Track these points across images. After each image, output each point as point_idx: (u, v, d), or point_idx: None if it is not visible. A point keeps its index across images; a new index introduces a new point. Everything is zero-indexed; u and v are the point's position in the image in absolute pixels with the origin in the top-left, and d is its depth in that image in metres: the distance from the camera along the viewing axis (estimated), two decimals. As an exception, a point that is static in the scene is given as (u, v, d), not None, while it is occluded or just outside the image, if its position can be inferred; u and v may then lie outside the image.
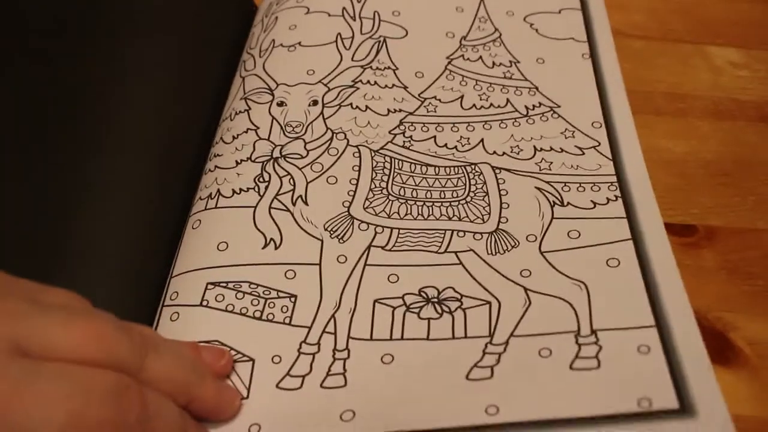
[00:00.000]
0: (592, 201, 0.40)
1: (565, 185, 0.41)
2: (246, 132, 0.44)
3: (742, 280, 0.42)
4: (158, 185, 0.42)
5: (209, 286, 0.37)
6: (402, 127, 0.44)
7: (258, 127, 0.44)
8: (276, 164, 0.42)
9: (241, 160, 0.42)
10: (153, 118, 0.43)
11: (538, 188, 0.41)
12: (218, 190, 0.41)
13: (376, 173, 0.42)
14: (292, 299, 0.37)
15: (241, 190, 0.41)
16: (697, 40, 0.55)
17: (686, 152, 0.48)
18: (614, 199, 0.40)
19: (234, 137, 0.44)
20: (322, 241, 0.39)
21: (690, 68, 0.53)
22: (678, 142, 0.49)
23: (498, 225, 0.40)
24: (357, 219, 0.40)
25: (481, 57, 0.48)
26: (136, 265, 0.38)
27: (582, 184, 0.41)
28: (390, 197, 0.41)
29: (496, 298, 0.37)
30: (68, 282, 0.35)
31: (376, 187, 0.41)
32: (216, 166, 0.43)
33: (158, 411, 0.29)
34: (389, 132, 0.44)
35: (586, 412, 0.31)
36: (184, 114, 0.45)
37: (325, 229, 0.39)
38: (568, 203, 0.40)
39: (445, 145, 0.44)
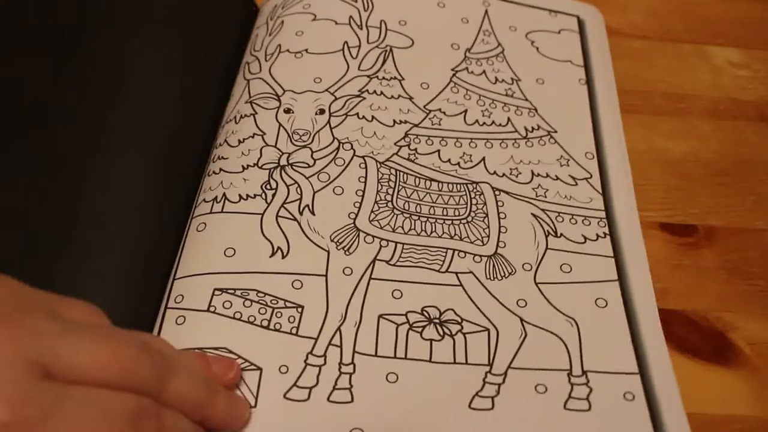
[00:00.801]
0: (583, 235, 0.42)
1: (558, 215, 0.42)
2: (252, 137, 0.44)
3: (742, 280, 0.43)
4: (159, 185, 0.42)
5: (216, 292, 0.38)
6: (407, 139, 0.45)
7: (265, 133, 0.44)
8: (283, 172, 0.42)
9: (248, 166, 0.43)
10: (154, 118, 0.43)
11: (534, 215, 0.42)
12: (224, 194, 0.41)
13: (381, 185, 0.42)
14: (299, 310, 0.37)
15: (248, 196, 0.41)
16: (696, 40, 0.55)
17: (686, 152, 0.48)
18: (603, 236, 0.42)
19: (240, 141, 0.44)
20: (328, 252, 0.39)
21: (690, 68, 0.53)
22: (678, 142, 0.49)
23: (496, 249, 0.41)
24: (363, 231, 0.40)
25: (484, 71, 0.49)
26: (137, 266, 0.38)
27: (574, 216, 0.43)
28: (395, 211, 0.41)
29: (495, 327, 0.38)
30: (68, 282, 0.36)
31: (381, 199, 0.42)
32: (221, 169, 0.43)
33: (174, 430, 0.29)
34: (395, 144, 0.44)
35: None
36: (185, 114, 0.45)
37: (332, 240, 0.40)
38: (561, 234, 0.42)
39: (449, 160, 0.44)
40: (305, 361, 0.36)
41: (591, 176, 0.44)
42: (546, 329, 0.38)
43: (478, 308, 0.39)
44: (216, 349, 0.36)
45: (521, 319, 0.38)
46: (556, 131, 0.46)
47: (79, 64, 0.44)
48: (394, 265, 0.40)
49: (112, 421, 0.26)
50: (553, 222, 0.42)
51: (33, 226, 0.38)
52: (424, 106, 0.47)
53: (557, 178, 0.44)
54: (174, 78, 0.46)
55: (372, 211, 0.41)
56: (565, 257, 0.41)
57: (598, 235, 0.42)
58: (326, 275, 0.39)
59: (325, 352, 0.36)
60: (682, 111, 0.51)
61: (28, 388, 0.25)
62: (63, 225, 0.38)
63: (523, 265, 0.40)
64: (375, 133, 0.45)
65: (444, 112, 0.47)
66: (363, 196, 0.42)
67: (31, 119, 0.42)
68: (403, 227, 0.41)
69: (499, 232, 0.41)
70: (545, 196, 0.43)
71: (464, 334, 0.38)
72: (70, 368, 0.26)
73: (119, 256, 0.38)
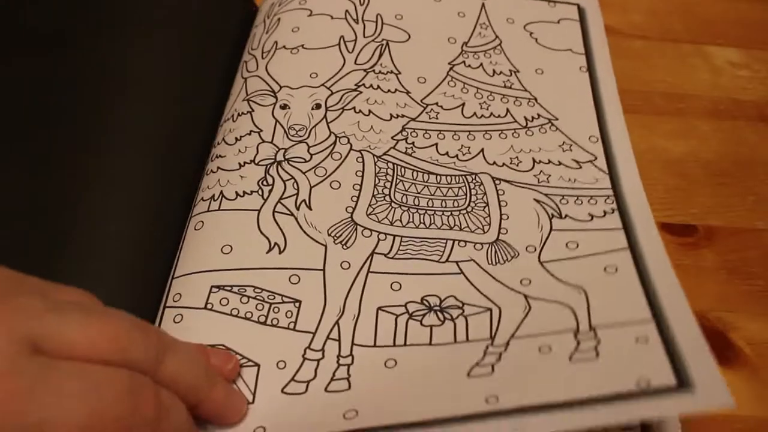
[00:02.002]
0: (589, 214, 0.41)
1: (563, 198, 0.42)
2: (249, 134, 0.44)
3: (742, 280, 0.43)
4: (159, 185, 0.41)
5: (213, 290, 0.37)
6: (404, 133, 0.44)
7: (261, 130, 0.44)
8: (280, 168, 0.42)
9: (245, 163, 0.42)
10: (154, 118, 0.43)
11: (537, 200, 0.42)
12: (221, 192, 0.41)
13: (378, 179, 0.42)
14: (297, 304, 0.37)
15: (244, 192, 0.41)
16: (696, 40, 0.55)
17: (686, 152, 0.48)
18: (611, 212, 0.41)
19: (237, 139, 0.44)
20: (326, 246, 0.39)
21: (690, 68, 0.53)
22: (678, 142, 0.49)
23: (498, 236, 0.40)
24: (360, 225, 0.40)
25: (482, 64, 0.49)
26: (137, 265, 0.38)
27: (579, 197, 0.42)
28: (393, 204, 0.41)
29: (497, 305, 0.37)
30: (68, 282, 0.35)
31: (378, 193, 0.41)
32: (219, 168, 0.43)
33: (170, 411, 0.29)
34: (392, 138, 0.44)
35: (584, 394, 0.31)
36: (185, 113, 0.45)
37: (329, 235, 0.40)
38: (566, 215, 0.41)
39: (447, 153, 0.44)
40: (303, 356, 0.35)
41: (596, 158, 0.44)
42: (552, 300, 0.37)
43: (480, 292, 0.38)
44: (213, 346, 0.35)
45: (525, 296, 0.37)
46: (557, 119, 0.46)
47: (79, 64, 0.44)
48: (392, 258, 0.39)
49: (101, 393, 0.26)
50: (557, 205, 0.41)
51: (33, 225, 0.38)
52: (421, 100, 0.46)
53: (560, 164, 0.44)
54: (174, 78, 0.45)
55: (369, 205, 0.41)
56: (570, 235, 0.40)
57: (605, 212, 0.41)
58: (324, 269, 0.38)
59: (323, 346, 0.36)
60: (682, 111, 0.51)
61: (16, 361, 0.25)
62: (63, 225, 0.38)
63: (526, 248, 0.39)
64: (372, 127, 0.44)
65: (441, 106, 0.46)
66: (360, 190, 0.41)
67: (31, 119, 0.42)
68: (401, 220, 0.40)
69: (501, 219, 0.41)
70: (548, 182, 0.43)
71: (465, 316, 0.37)
72: (61, 344, 0.26)
73: (119, 256, 0.38)
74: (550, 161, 0.44)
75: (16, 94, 0.42)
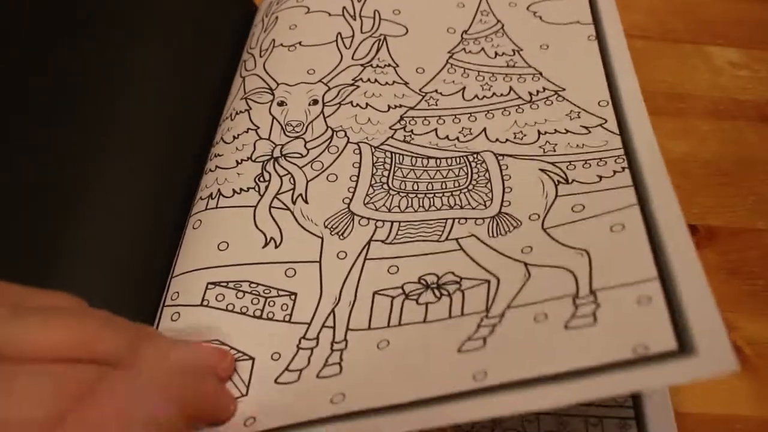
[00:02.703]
0: (598, 175, 0.38)
1: (570, 164, 0.40)
2: (246, 132, 0.44)
3: (742, 280, 0.42)
4: (159, 185, 0.41)
5: (210, 286, 0.37)
6: (403, 122, 0.44)
7: (258, 127, 0.44)
8: (276, 164, 0.42)
9: (242, 160, 0.42)
10: (153, 118, 0.43)
11: (542, 170, 0.40)
12: (219, 190, 0.41)
13: (376, 169, 0.41)
14: (292, 297, 0.37)
15: (241, 189, 0.41)
16: (697, 40, 0.55)
17: (686, 152, 0.48)
18: (621, 170, 0.38)
19: (234, 137, 0.44)
20: (322, 238, 0.39)
21: (690, 68, 0.53)
22: (678, 142, 0.49)
23: (500, 209, 0.39)
24: (357, 215, 0.39)
25: (483, 48, 0.48)
26: (137, 266, 0.38)
27: (588, 161, 0.40)
28: (391, 192, 0.40)
29: (495, 276, 0.36)
30: (67, 282, 0.35)
31: (376, 182, 0.41)
32: (217, 166, 0.43)
33: (142, 406, 0.28)
34: (389, 128, 0.43)
35: (576, 365, 0.28)
36: (185, 114, 0.45)
37: (326, 227, 0.39)
38: (573, 180, 0.39)
39: (447, 136, 0.43)
40: (297, 346, 0.35)
41: (606, 121, 0.41)
42: (552, 266, 0.34)
43: (479, 265, 0.36)
44: (209, 342, 0.35)
45: (525, 264, 0.35)
46: (564, 89, 0.44)
47: (78, 63, 0.44)
48: (390, 243, 0.39)
49: (64, 388, 0.26)
50: (564, 171, 0.39)
51: (32, 225, 0.38)
52: (420, 89, 0.46)
53: (567, 132, 0.42)
54: (173, 78, 0.45)
55: (367, 194, 0.40)
56: (577, 199, 0.38)
57: (615, 171, 0.38)
58: (320, 261, 0.38)
59: (318, 334, 0.35)
60: (682, 111, 0.51)
61: None
62: (62, 225, 0.38)
63: (529, 216, 0.38)
64: (369, 119, 0.44)
65: (441, 93, 0.45)
66: (357, 180, 0.41)
67: (30, 119, 0.42)
68: (399, 206, 0.40)
69: (503, 192, 0.39)
70: (554, 150, 0.41)
71: (462, 290, 0.35)
72: (24, 348, 0.26)
73: (119, 256, 0.38)
74: (556, 131, 0.42)
75: (17, 93, 0.42)
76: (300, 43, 0.48)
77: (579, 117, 0.42)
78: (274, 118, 0.44)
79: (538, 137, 0.42)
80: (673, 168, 0.47)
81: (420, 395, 0.30)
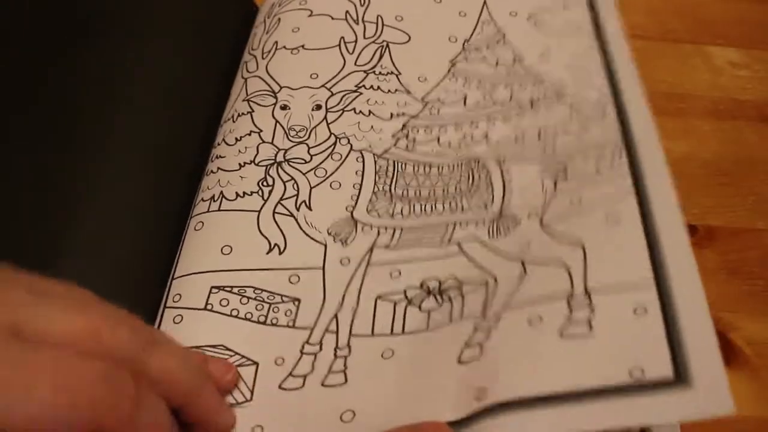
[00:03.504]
0: (596, 167, 0.38)
1: (569, 161, 0.40)
2: (249, 135, 0.44)
3: (742, 280, 0.43)
4: (158, 185, 0.41)
5: (213, 290, 0.37)
6: (405, 130, 0.44)
7: (261, 130, 0.44)
8: (280, 168, 0.42)
9: (245, 163, 0.42)
10: (153, 118, 0.43)
11: (542, 168, 0.40)
12: (221, 193, 0.41)
13: (379, 177, 0.42)
14: (296, 303, 0.37)
15: (244, 193, 0.41)
16: (697, 40, 0.55)
17: (686, 152, 0.48)
18: (620, 166, 0.38)
19: (237, 139, 0.44)
20: (325, 245, 0.39)
21: (690, 68, 0.53)
22: (678, 142, 0.49)
23: (501, 211, 0.39)
24: (360, 222, 0.40)
25: (484, 57, 0.48)
26: (137, 266, 0.38)
27: (587, 158, 0.40)
28: (393, 199, 0.41)
29: (493, 276, 0.36)
30: (68, 282, 0.35)
31: (379, 190, 0.41)
32: (219, 168, 0.43)
33: (148, 406, 0.28)
34: (392, 136, 0.44)
35: (572, 386, 0.29)
36: (185, 114, 0.45)
37: (329, 234, 0.39)
38: (572, 174, 0.39)
39: (449, 143, 0.43)
40: (301, 351, 0.35)
41: (606, 114, 0.42)
42: (548, 260, 0.35)
43: (479, 267, 0.37)
44: (213, 346, 0.35)
45: (522, 261, 0.36)
46: (564, 95, 0.44)
47: (78, 65, 0.44)
48: (392, 249, 0.39)
49: (72, 379, 0.26)
50: (563, 168, 0.40)
51: (33, 225, 0.38)
52: (422, 98, 0.46)
53: (567, 129, 0.42)
54: (174, 78, 0.45)
55: (370, 202, 0.40)
56: (575, 192, 0.38)
57: (613, 162, 0.38)
58: (323, 268, 0.38)
59: (321, 339, 0.36)
60: (682, 111, 0.51)
61: None
62: (63, 225, 0.38)
63: (528, 215, 0.38)
64: (372, 127, 0.44)
65: (442, 101, 0.46)
66: (360, 188, 0.41)
67: (30, 119, 0.42)
68: (401, 213, 0.40)
69: (504, 194, 0.40)
70: (554, 150, 0.41)
71: (463, 294, 0.36)
72: (42, 332, 0.26)
73: (119, 257, 0.38)
74: (557, 132, 0.42)
75: (17, 93, 0.42)
76: (303, 46, 0.48)
77: (579, 113, 0.42)
78: (277, 121, 0.44)
79: (539, 139, 0.42)
80: (673, 168, 0.47)
81: (429, 417, 0.31)
